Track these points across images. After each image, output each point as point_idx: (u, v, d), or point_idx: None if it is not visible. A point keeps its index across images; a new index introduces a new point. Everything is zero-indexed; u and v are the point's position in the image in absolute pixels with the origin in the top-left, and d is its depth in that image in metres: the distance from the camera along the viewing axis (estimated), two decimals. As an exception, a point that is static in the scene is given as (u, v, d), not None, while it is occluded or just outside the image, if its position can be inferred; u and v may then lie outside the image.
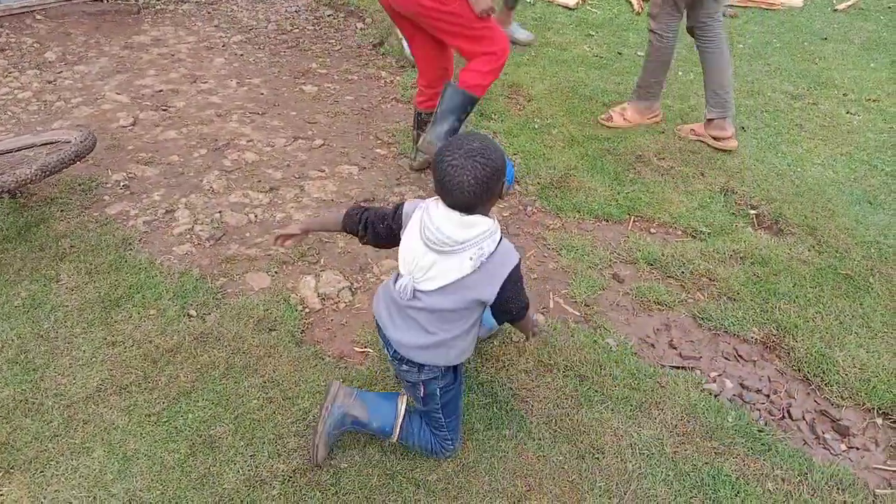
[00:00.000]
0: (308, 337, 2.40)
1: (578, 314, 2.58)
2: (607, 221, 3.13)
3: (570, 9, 5.76)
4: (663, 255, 2.86)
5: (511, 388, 2.21)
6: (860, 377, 2.28)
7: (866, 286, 2.69)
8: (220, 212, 3.03)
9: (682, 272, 2.78)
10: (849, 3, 6.00)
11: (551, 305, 2.62)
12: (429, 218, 1.70)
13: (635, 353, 2.40)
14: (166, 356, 2.26)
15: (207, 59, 4.62)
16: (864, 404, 2.21)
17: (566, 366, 2.31)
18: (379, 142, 3.72)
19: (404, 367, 1.86)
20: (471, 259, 1.68)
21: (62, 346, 2.29)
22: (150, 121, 3.77)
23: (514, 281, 1.76)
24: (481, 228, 1.69)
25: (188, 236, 2.87)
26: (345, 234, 2.02)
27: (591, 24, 5.51)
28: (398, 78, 4.50)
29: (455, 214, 1.68)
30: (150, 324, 2.39)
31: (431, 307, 1.75)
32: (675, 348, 2.46)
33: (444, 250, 1.68)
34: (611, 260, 2.85)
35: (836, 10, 5.87)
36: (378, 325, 1.90)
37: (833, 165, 3.56)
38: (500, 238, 1.75)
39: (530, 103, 4.15)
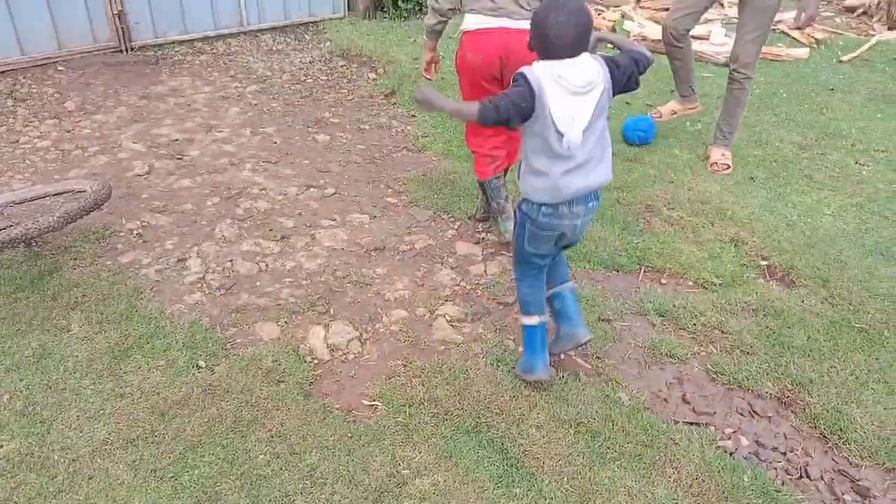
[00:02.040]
0: (316, 389, 2.39)
1: (590, 367, 2.55)
2: (618, 272, 3.12)
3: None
4: (674, 306, 2.84)
5: (522, 445, 2.17)
6: (879, 435, 2.23)
7: (881, 340, 2.65)
8: (231, 260, 3.05)
9: (694, 324, 2.76)
10: (854, 54, 6.08)
11: (562, 358, 2.59)
12: (566, 78, 1.98)
13: (648, 408, 2.36)
14: (174, 408, 2.25)
15: (223, 109, 4.72)
16: (884, 464, 2.16)
17: (578, 421, 2.27)
18: (390, 190, 3.75)
19: (591, 205, 2.21)
20: (598, 82, 2.02)
21: (70, 398, 2.28)
22: (165, 169, 3.83)
23: (611, 57, 2.13)
24: (591, 61, 2.04)
25: (199, 285, 2.89)
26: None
27: (599, 74, 5.59)
28: (409, 127, 4.57)
29: (571, 62, 2.00)
30: (158, 375, 2.39)
31: (597, 133, 2.08)
32: (688, 403, 2.42)
33: (589, 89, 2.01)
34: (621, 311, 2.84)
35: (841, 62, 5.95)
36: (563, 203, 2.14)
37: (843, 216, 3.56)
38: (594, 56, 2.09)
39: (539, 153, 4.18)
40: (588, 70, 2.01)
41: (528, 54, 2.31)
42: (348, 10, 6.78)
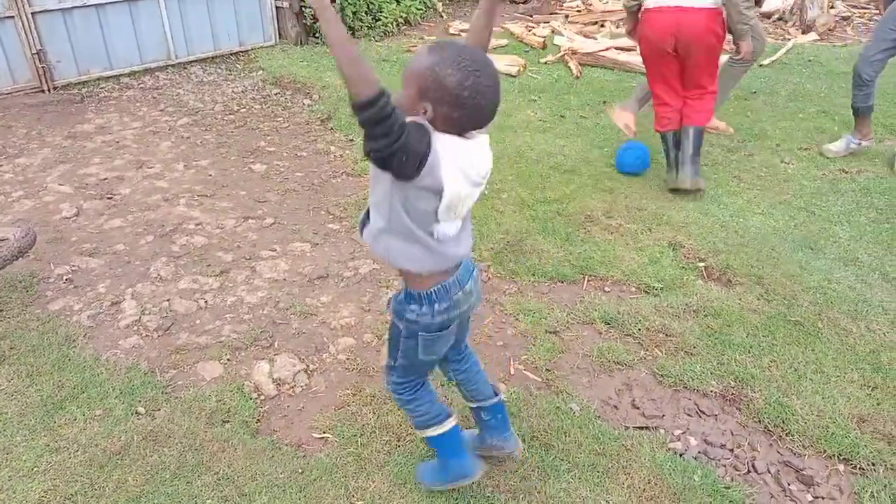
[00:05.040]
0: (264, 426, 2.32)
1: (540, 380, 2.56)
2: (562, 282, 3.15)
3: (512, 76, 5.97)
4: (619, 313, 2.89)
5: (476, 465, 2.15)
6: (818, 424, 2.30)
7: (816, 332, 2.75)
8: (168, 300, 2.96)
9: (639, 329, 2.80)
10: (773, 58, 6.37)
11: (512, 372, 2.60)
12: (470, 161, 1.54)
13: (599, 417, 2.38)
14: (114, 459, 2.15)
15: (153, 144, 4.60)
16: (825, 451, 2.22)
17: (531, 435, 2.27)
18: (331, 217, 3.72)
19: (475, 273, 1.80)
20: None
21: (0, 458, 2.15)
22: (95, 210, 3.70)
23: None
24: (486, 140, 1.62)
25: (135, 328, 2.79)
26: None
27: (533, 89, 5.70)
28: (347, 152, 4.54)
29: (472, 144, 1.56)
30: (95, 425, 2.28)
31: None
32: (637, 408, 2.45)
33: (486, 175, 1.63)
34: (568, 322, 2.86)
35: (761, 66, 6.21)
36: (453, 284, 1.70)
37: (773, 214, 3.69)
38: None
39: (479, 170, 4.22)
40: (487, 150, 1.61)
41: (698, 31, 2.84)
42: (279, 37, 6.74)
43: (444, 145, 1.48)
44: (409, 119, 1.43)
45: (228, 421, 2.31)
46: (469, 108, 1.48)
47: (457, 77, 1.44)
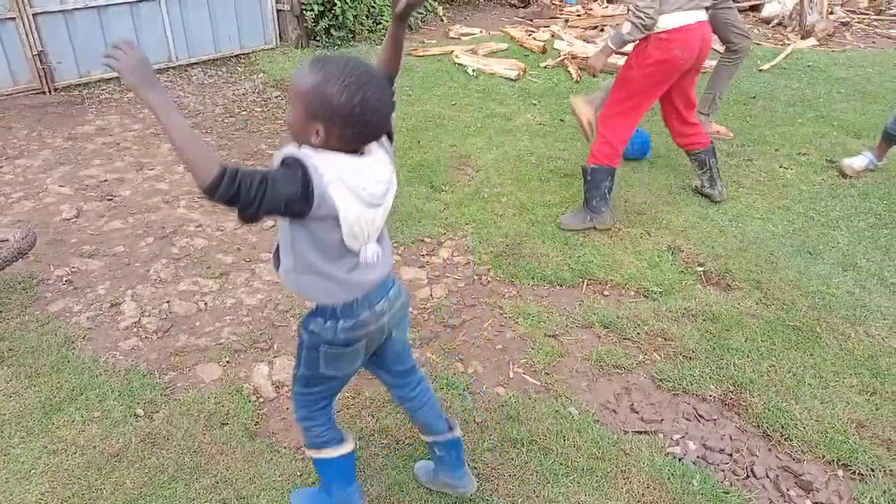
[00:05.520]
0: (263, 429, 2.32)
1: (539, 384, 2.56)
2: (561, 286, 3.15)
3: (512, 80, 5.98)
4: (618, 317, 2.89)
5: (475, 469, 2.15)
6: (818, 429, 2.30)
7: (814, 336, 2.75)
8: (168, 302, 2.96)
9: (638, 333, 2.80)
10: (772, 63, 6.38)
11: (511, 376, 2.60)
12: (362, 183, 1.47)
13: (598, 421, 2.38)
14: (111, 462, 2.15)
15: (154, 146, 4.60)
16: (824, 457, 2.22)
17: (530, 440, 2.27)
18: (330, 220, 3.71)
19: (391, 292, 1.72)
20: (392, 163, 1.58)
21: (-2, 459, 2.15)
22: (95, 212, 3.70)
23: None
24: (385, 155, 1.56)
25: (135, 330, 2.78)
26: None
27: (532, 93, 5.71)
28: (347, 155, 4.54)
29: (364, 162, 1.49)
30: (94, 427, 2.28)
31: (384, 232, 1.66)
32: (636, 412, 2.45)
33: (386, 191, 1.56)
34: (567, 325, 2.87)
35: (761, 71, 6.23)
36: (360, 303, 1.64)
37: (772, 219, 3.70)
38: None
39: (479, 173, 4.23)
40: (384, 167, 1.54)
41: (710, 43, 2.88)
42: (280, 40, 6.75)
43: (333, 168, 1.43)
44: (286, 155, 1.42)
45: (227, 423, 2.31)
46: (361, 125, 1.44)
47: (344, 95, 1.39)
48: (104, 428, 2.27)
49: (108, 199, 3.84)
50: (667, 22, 3.15)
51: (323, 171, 1.41)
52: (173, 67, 6.09)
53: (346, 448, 1.86)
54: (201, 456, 2.17)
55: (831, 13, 7.78)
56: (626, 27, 3.18)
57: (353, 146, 1.48)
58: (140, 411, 2.35)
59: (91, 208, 3.74)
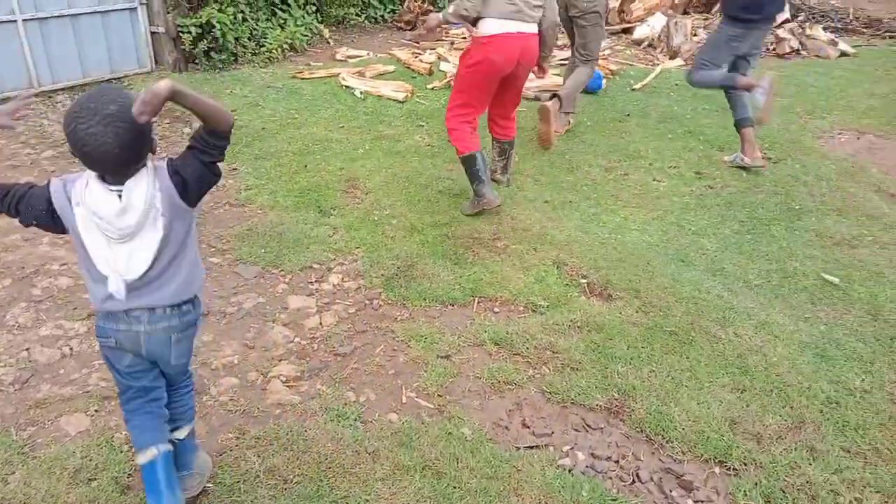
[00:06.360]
0: (137, 480, 2.15)
1: (432, 406, 2.54)
2: (453, 306, 3.16)
3: (399, 102, 6.00)
4: (508, 333, 2.93)
5: (367, 502, 2.09)
6: (695, 430, 2.42)
7: (689, 340, 2.90)
8: (27, 349, 2.71)
9: (527, 348, 2.85)
10: (644, 82, 6.78)
11: (404, 401, 2.56)
12: (99, 213, 1.59)
13: (490, 439, 2.39)
14: (-43, 535, 1.92)
15: (13, 179, 4.24)
16: (702, 456, 2.33)
17: (423, 465, 2.24)
18: (213, 249, 3.56)
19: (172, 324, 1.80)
20: (157, 217, 1.64)
21: None
22: (-59, 254, 3.35)
23: (172, 161, 1.71)
24: (143, 195, 1.61)
25: (-12, 383, 2.52)
26: None
27: (420, 115, 5.76)
28: (230, 181, 4.38)
29: (114, 198, 1.59)
30: (-64, 498, 2.03)
31: (163, 272, 1.71)
32: (528, 427, 2.48)
33: (130, 236, 1.62)
34: (459, 345, 2.87)
35: (633, 90, 6.60)
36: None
37: (647, 230, 3.89)
38: (155, 167, 1.68)
39: (368, 196, 4.19)
40: (130, 212, 1.59)
41: (534, 55, 3.25)
42: (156, 64, 6.45)
43: (82, 192, 1.60)
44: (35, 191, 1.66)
45: (95, 479, 2.12)
46: (80, 155, 1.55)
47: (63, 122, 1.54)
48: (-52, 497, 2.03)
49: (-42, 240, 3.49)
50: (489, 27, 3.58)
51: (70, 189, 1.61)
52: (35, 94, 5.65)
53: (146, 456, 1.83)
54: (65, 518, 1.98)
55: (695, 35, 8.38)
56: (451, 8, 3.62)
57: (96, 173, 1.61)
58: (-8, 474, 2.12)
59: (-64, 250, 3.38)
